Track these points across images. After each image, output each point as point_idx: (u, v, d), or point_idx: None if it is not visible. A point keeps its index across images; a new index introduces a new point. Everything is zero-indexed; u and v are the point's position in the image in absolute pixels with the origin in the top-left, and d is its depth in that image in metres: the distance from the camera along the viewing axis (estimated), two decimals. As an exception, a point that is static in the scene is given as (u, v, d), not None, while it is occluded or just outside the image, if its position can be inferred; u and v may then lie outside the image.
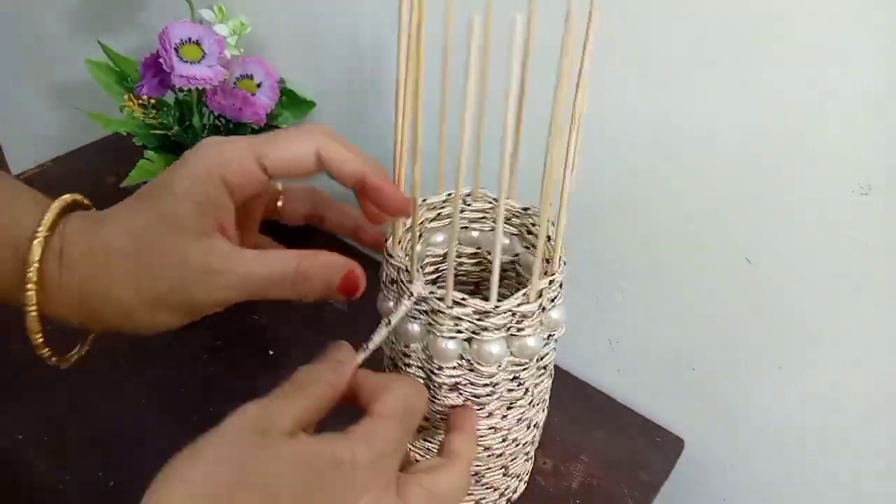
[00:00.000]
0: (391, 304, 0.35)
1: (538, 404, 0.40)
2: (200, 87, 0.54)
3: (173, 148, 0.61)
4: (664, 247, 0.48)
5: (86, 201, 0.31)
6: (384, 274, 0.36)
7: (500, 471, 0.42)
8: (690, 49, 0.40)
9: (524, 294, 0.33)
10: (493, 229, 0.41)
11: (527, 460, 0.45)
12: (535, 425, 0.42)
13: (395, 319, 0.34)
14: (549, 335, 0.37)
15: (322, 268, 0.30)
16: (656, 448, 0.52)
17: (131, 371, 0.53)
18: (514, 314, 0.33)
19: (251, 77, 0.59)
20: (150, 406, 0.51)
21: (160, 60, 0.54)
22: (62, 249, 0.28)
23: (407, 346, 0.37)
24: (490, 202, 0.40)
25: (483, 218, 0.41)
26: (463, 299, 0.33)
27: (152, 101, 0.57)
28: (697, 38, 0.40)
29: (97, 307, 0.28)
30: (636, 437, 0.52)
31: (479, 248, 0.42)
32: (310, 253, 0.30)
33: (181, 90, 0.57)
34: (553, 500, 0.46)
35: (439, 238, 0.41)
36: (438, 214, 0.40)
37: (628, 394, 0.55)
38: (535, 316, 0.34)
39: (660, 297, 0.50)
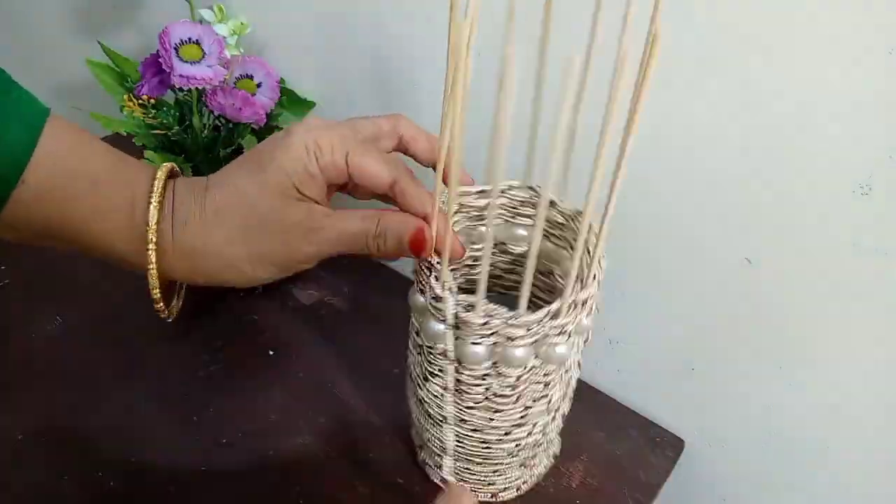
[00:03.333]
0: (420, 297, 0.36)
1: (558, 400, 0.40)
2: (200, 87, 0.54)
3: (173, 148, 0.61)
4: (664, 247, 0.48)
5: (178, 168, 0.34)
6: (416, 266, 0.37)
7: (516, 461, 0.42)
8: (689, 50, 0.40)
9: (548, 310, 0.33)
10: (507, 223, 0.42)
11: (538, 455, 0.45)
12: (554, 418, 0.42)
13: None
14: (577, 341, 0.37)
15: (397, 224, 0.33)
16: (656, 448, 0.52)
17: (131, 370, 0.53)
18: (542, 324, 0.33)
19: (251, 77, 0.59)
20: (150, 406, 0.51)
21: (160, 60, 0.54)
22: (174, 211, 0.32)
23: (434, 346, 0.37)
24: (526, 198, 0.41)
25: (504, 212, 0.42)
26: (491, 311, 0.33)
27: (152, 100, 0.57)
28: (696, 39, 0.40)
29: (207, 262, 0.32)
30: (636, 437, 0.52)
31: (503, 243, 0.44)
32: (389, 211, 0.34)
33: (181, 90, 0.57)
34: (553, 501, 0.47)
35: (481, 230, 0.42)
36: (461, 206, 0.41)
37: (628, 394, 0.55)
38: (564, 328, 0.34)
39: (660, 297, 0.50)
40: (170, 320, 0.36)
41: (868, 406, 0.44)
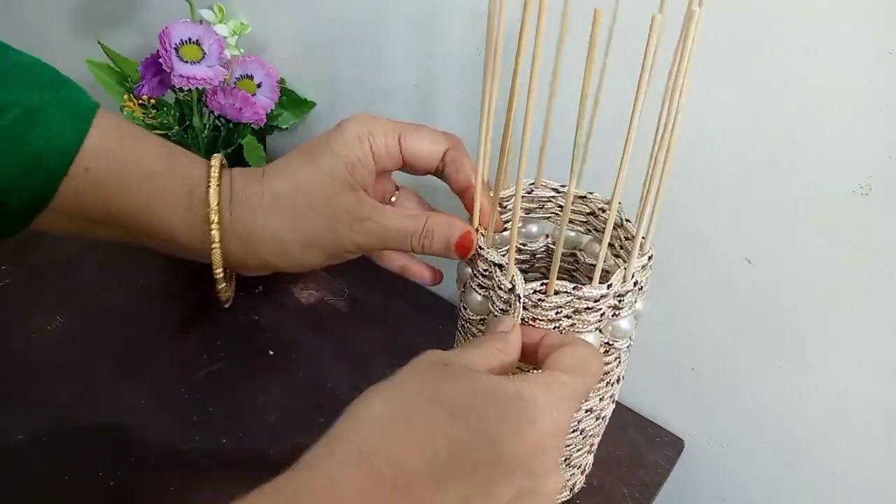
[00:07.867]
0: (469, 269, 0.36)
1: (603, 399, 0.41)
2: (200, 87, 0.54)
3: (173, 148, 0.61)
4: (664, 246, 0.48)
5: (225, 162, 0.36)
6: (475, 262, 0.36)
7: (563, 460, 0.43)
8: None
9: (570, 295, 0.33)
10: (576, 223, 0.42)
11: (589, 452, 0.45)
12: (602, 417, 0.42)
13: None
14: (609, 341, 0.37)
15: (445, 226, 0.34)
16: (656, 448, 0.52)
17: (131, 371, 0.53)
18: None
19: (251, 77, 0.59)
20: (150, 406, 0.51)
21: (160, 60, 0.54)
22: (231, 195, 0.33)
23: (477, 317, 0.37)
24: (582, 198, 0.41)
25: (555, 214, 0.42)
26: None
27: (152, 101, 0.57)
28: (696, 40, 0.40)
29: (260, 244, 0.33)
30: (636, 436, 0.52)
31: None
32: (436, 213, 0.35)
33: (181, 90, 0.57)
34: (553, 500, 0.47)
35: (533, 229, 0.42)
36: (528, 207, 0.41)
37: (628, 393, 0.55)
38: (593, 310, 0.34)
39: (660, 297, 0.50)
40: (227, 305, 0.37)
41: (868, 406, 0.44)
